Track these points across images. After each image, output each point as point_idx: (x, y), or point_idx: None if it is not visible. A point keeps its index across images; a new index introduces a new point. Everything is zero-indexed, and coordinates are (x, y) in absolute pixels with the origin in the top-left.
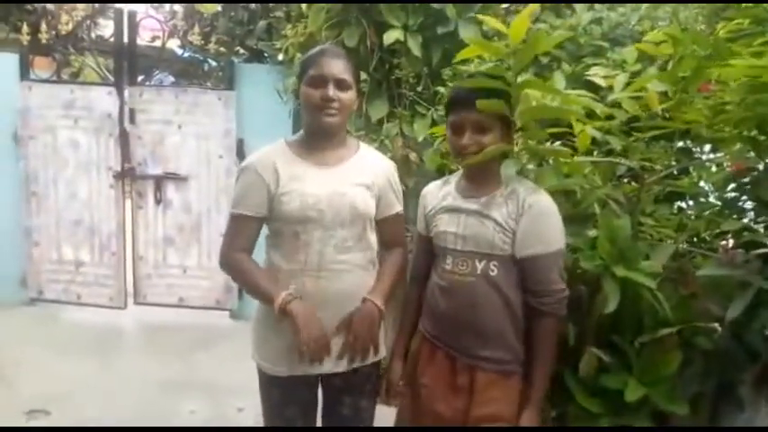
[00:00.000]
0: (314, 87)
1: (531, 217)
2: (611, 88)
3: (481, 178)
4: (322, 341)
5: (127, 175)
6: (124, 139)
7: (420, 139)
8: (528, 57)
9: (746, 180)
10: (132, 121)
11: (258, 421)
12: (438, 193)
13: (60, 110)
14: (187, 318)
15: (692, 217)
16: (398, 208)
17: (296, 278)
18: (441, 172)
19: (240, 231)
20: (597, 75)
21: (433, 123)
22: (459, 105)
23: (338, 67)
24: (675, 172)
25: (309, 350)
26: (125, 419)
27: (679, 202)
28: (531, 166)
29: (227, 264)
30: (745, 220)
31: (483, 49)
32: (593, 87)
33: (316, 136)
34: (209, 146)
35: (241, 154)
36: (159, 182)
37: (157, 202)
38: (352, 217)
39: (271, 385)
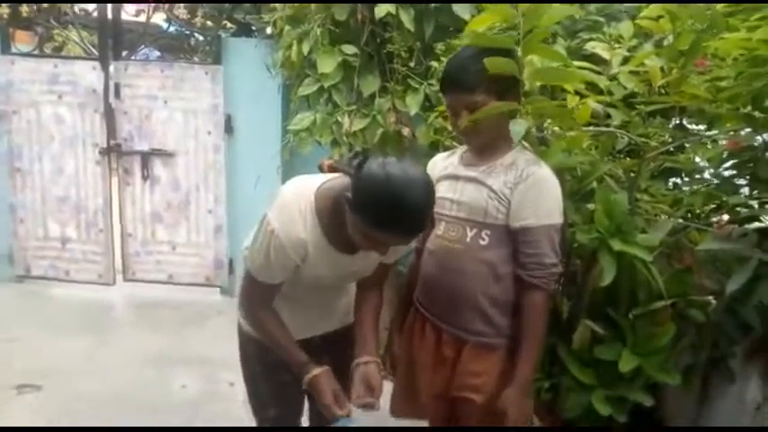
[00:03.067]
0: (370, 244)
1: (528, 187)
2: (609, 64)
3: (484, 148)
4: (338, 404)
5: (113, 151)
6: (109, 115)
7: (412, 113)
8: (536, 20)
9: (742, 157)
10: (117, 96)
11: None
12: (443, 163)
13: (44, 85)
14: (177, 294)
15: (688, 193)
16: (394, 258)
17: (296, 300)
18: (434, 147)
19: (264, 294)
20: (597, 47)
21: (426, 98)
22: (451, 88)
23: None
24: (672, 148)
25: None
26: (115, 394)
27: (674, 179)
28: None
29: (252, 318)
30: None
31: (494, 14)
32: (590, 62)
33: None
34: (197, 121)
35: (229, 130)
36: (146, 158)
37: (144, 178)
38: (361, 277)
39: (259, 351)
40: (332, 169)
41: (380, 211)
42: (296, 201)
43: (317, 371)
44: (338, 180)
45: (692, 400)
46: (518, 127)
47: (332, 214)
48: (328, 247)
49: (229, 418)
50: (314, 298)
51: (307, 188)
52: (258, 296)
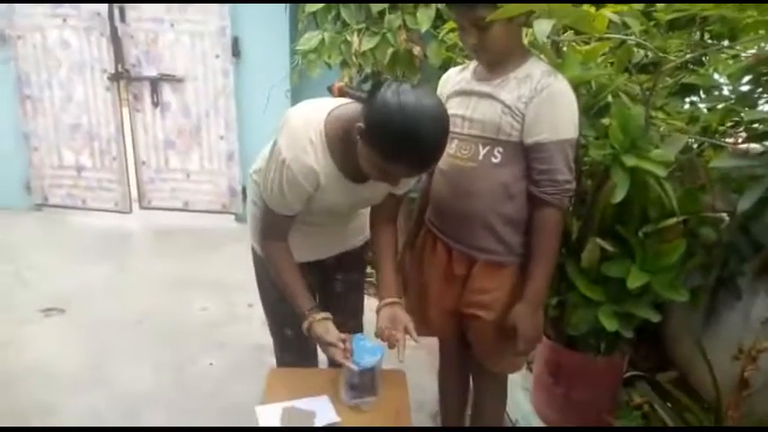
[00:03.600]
0: (381, 175)
1: (543, 100)
2: None
3: (496, 63)
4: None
5: (122, 77)
6: (116, 39)
7: (423, 30)
8: None
9: (764, 71)
10: (123, 19)
11: None
12: (455, 78)
13: (47, 8)
14: (193, 221)
15: (705, 110)
16: (404, 190)
17: (309, 224)
18: (445, 67)
19: (280, 225)
20: None
21: (438, 14)
22: (456, 3)
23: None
24: (691, 65)
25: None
26: (137, 317)
27: (692, 98)
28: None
29: (266, 251)
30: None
31: None
32: None
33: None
34: (204, 45)
35: (237, 53)
36: (155, 84)
37: (155, 104)
38: (373, 204)
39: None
40: (342, 93)
41: (393, 144)
42: (305, 130)
43: (316, 316)
44: (348, 107)
45: (698, 318)
46: (543, 26)
47: (342, 143)
48: (339, 176)
49: (249, 338)
50: (326, 222)
51: (316, 116)
52: (274, 229)
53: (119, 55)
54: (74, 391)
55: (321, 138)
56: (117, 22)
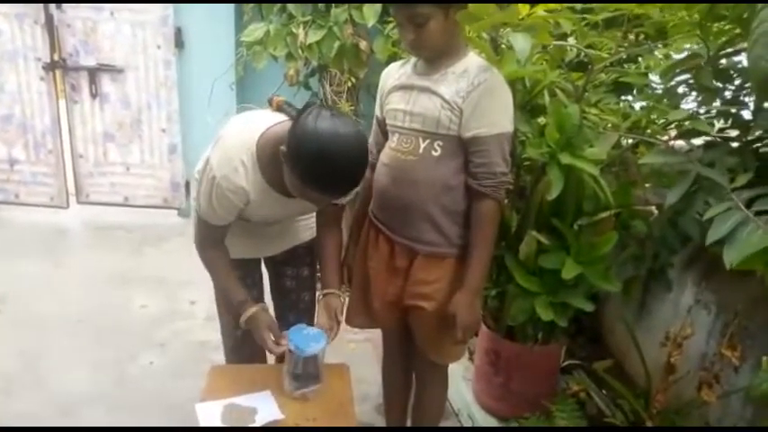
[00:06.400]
0: (306, 197)
1: (480, 95)
2: None
3: (435, 58)
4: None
5: (58, 67)
6: (51, 27)
7: (370, 25)
8: None
9: (689, 64)
10: (59, 6)
11: (210, 314)
12: (396, 73)
13: None
14: (134, 216)
15: (638, 107)
16: (345, 200)
17: (254, 227)
18: (392, 62)
19: (214, 235)
20: None
21: (384, 8)
22: (394, 1)
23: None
24: (626, 64)
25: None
26: (75, 316)
27: (628, 95)
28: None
29: (202, 257)
30: (687, 107)
31: None
32: None
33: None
34: (146, 35)
35: (180, 44)
36: (93, 74)
37: (93, 95)
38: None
39: None
40: (279, 108)
41: (309, 170)
42: (237, 151)
43: (252, 309)
44: (281, 126)
45: (631, 308)
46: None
47: (272, 163)
48: (270, 191)
49: (191, 335)
50: (269, 226)
51: (249, 135)
52: (209, 237)
53: (54, 43)
54: (9, 393)
55: (253, 158)
56: (52, 9)
